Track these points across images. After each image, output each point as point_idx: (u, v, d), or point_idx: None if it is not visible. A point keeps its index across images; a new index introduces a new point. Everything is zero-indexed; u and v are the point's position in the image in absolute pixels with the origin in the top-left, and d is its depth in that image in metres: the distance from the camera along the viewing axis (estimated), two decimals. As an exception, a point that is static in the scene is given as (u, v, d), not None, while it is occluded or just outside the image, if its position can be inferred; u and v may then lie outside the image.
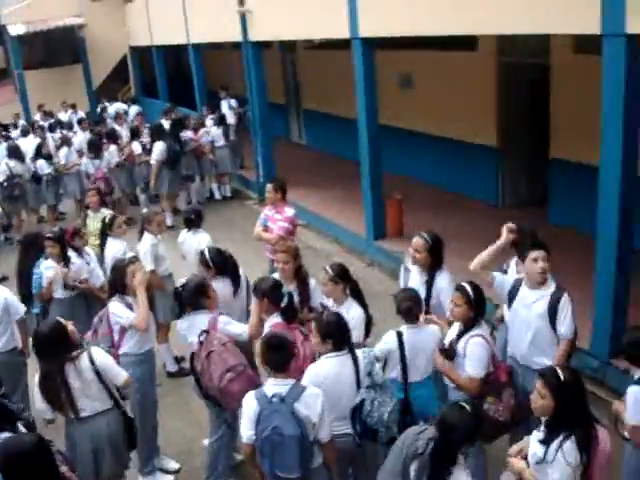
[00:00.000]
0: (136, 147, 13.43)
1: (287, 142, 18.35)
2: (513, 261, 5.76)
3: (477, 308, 4.69)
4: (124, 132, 14.43)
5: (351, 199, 11.42)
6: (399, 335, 4.85)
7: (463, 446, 3.48)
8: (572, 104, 8.95)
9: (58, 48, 23.74)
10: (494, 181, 11.04)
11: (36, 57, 23.50)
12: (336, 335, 4.39)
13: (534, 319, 4.82)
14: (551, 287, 4.84)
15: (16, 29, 22.38)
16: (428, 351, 4.88)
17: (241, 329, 5.23)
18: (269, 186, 7.77)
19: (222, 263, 6.00)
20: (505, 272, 5.87)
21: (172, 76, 21.41)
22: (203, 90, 17.36)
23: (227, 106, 15.58)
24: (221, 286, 5.84)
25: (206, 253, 5.95)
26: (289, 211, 7.71)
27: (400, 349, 4.83)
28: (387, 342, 4.90)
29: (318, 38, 10.72)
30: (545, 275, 4.78)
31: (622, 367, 5.44)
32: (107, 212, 8.43)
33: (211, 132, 13.92)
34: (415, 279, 5.58)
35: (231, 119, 15.21)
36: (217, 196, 14.49)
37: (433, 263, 5.43)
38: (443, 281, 5.44)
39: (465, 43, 10.10)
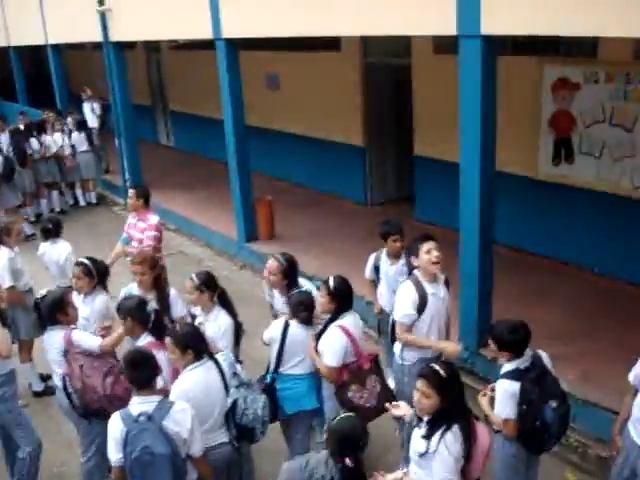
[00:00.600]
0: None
1: (155, 144, 17.94)
2: (383, 252, 6.03)
3: (340, 300, 4.78)
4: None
5: (222, 201, 11.27)
6: (286, 326, 4.88)
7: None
8: (433, 103, 9.22)
9: None
10: (362, 180, 11.22)
11: None
12: (196, 344, 4.31)
13: (445, 308, 5.03)
14: (441, 276, 5.04)
15: None
16: (307, 349, 4.92)
17: (95, 343, 5.00)
18: (131, 192, 7.48)
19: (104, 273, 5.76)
20: (377, 268, 6.11)
21: (33, 77, 20.36)
22: (64, 92, 16.53)
23: (89, 109, 14.93)
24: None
25: (87, 263, 5.64)
26: (153, 218, 7.45)
27: (282, 338, 4.86)
28: (273, 329, 4.95)
29: (181, 39, 10.49)
30: (439, 264, 4.83)
31: (490, 357, 5.62)
32: None
33: (72, 136, 13.33)
34: (278, 300, 5.58)
35: (94, 123, 14.67)
36: (82, 203, 13.88)
37: (289, 284, 5.39)
38: None
39: (330, 44, 10.21)
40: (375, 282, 6.28)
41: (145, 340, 4.80)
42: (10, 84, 20.32)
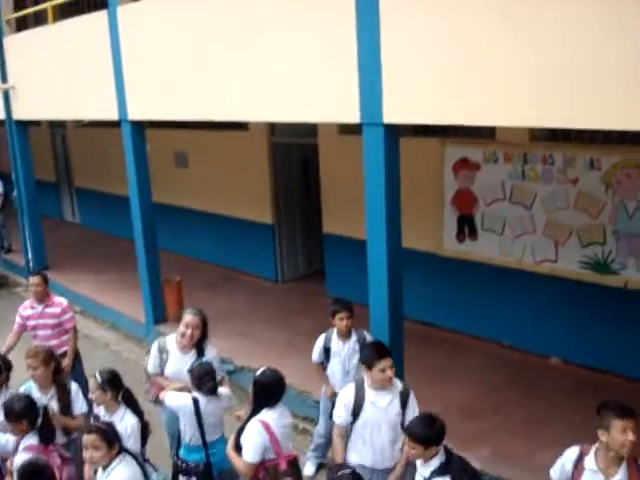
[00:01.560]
0: None
1: (60, 221, 17.47)
2: (333, 332, 6.00)
3: (262, 393, 4.60)
4: None
5: (129, 282, 10.96)
6: (195, 402, 4.88)
7: None
8: (340, 182, 9.38)
9: None
10: (272, 257, 11.19)
11: None
12: (119, 439, 4.19)
13: (388, 422, 4.75)
14: (398, 386, 4.83)
15: None
16: (220, 414, 5.11)
17: None
18: (36, 279, 7.05)
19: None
20: (327, 349, 6.02)
21: None
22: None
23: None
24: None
25: None
26: (62, 299, 7.24)
27: (197, 414, 4.89)
28: (180, 403, 4.97)
29: (87, 119, 10.38)
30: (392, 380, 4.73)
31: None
32: None
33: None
34: (176, 360, 5.50)
35: None
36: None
37: (202, 336, 5.50)
38: (212, 352, 5.59)
39: (238, 124, 10.31)
40: (324, 364, 6.12)
41: (29, 441, 4.51)
42: None
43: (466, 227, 8.35)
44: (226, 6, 7.12)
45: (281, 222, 11.08)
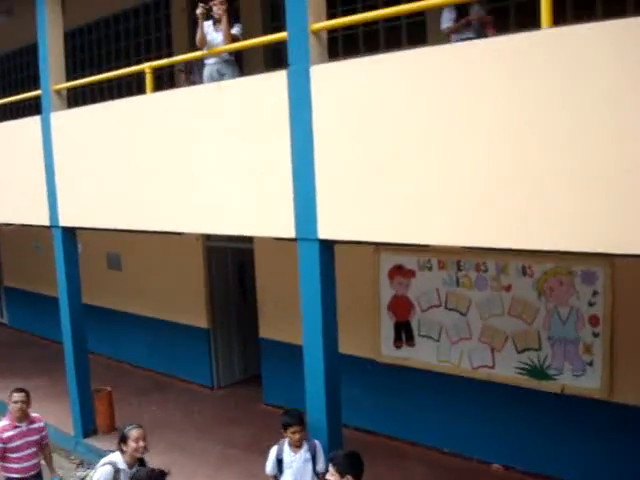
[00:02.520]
0: None
1: (-14, 321, 16.86)
2: (285, 444, 5.92)
3: None
4: None
5: (58, 388, 10.46)
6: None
7: None
8: (276, 287, 9.31)
9: None
10: (207, 362, 10.89)
11: None
12: None
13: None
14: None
15: None
16: None
17: None
18: (21, 396, 6.60)
19: None
20: (280, 461, 5.90)
21: None
22: None
23: None
24: None
25: None
26: (35, 414, 6.84)
27: None
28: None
29: (17, 223, 10.14)
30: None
31: None
32: None
33: None
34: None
35: None
36: None
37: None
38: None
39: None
40: (277, 477, 5.95)
41: None
42: None
43: (403, 333, 8.32)
44: (160, 116, 7.13)
45: (217, 326, 10.86)
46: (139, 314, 11.95)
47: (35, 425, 6.74)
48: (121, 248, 12.01)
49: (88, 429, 9.19)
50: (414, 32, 7.95)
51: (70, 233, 8.78)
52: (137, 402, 10.27)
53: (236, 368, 11.11)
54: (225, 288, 10.87)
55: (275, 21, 9.27)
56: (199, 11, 6.65)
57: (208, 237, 10.51)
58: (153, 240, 10.99)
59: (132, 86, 11.55)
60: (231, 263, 10.86)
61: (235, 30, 6.79)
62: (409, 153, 5.02)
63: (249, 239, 9.68)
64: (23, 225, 12.63)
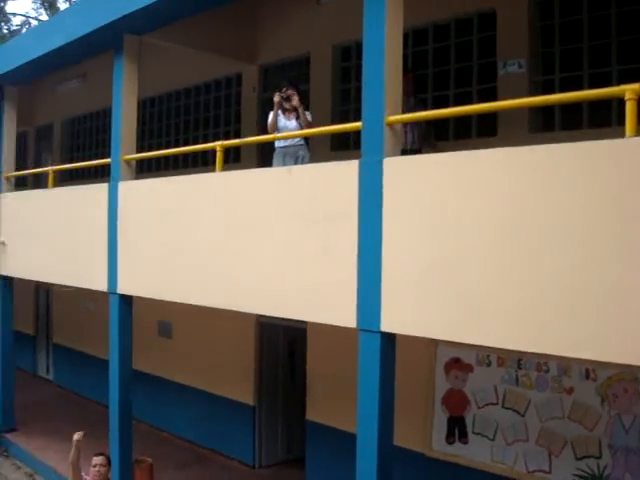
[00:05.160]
0: None
1: (33, 375, 16.93)
2: None
3: None
4: None
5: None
6: None
7: None
8: (327, 369, 9.14)
9: None
10: (250, 439, 10.69)
11: None
12: None
13: None
14: None
15: None
16: None
17: None
18: (101, 459, 7.09)
19: None
20: None
21: None
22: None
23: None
24: None
25: None
26: None
27: None
28: None
29: (73, 286, 10.26)
30: None
31: None
32: None
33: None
34: None
35: None
36: None
37: None
38: None
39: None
40: None
41: None
42: None
43: (456, 429, 8.05)
44: (226, 194, 7.19)
45: (262, 404, 10.69)
46: (185, 384, 11.85)
47: None
48: (173, 316, 12.01)
49: (125, 500, 9.03)
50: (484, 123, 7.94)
51: (127, 300, 8.82)
52: (176, 476, 10.08)
53: (279, 448, 10.86)
54: (274, 365, 10.73)
55: (344, 105, 9.40)
56: (277, 99, 6.79)
57: (262, 313, 10.47)
58: (205, 310, 10.95)
59: (197, 156, 11.81)
60: (282, 340, 10.76)
61: (309, 117, 6.91)
62: (473, 251, 4.92)
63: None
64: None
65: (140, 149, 9.27)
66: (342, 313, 5.78)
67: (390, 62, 5.55)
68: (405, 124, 6.53)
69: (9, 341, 12.51)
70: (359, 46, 6.66)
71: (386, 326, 5.45)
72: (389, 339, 5.60)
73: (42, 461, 11.07)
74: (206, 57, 10.16)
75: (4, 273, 12.05)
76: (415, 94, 7.38)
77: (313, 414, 9.64)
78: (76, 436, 6.97)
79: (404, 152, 6.30)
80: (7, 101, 12.30)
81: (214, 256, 7.26)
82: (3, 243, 11.91)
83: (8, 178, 12.18)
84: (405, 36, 5.84)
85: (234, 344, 10.78)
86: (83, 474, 6.90)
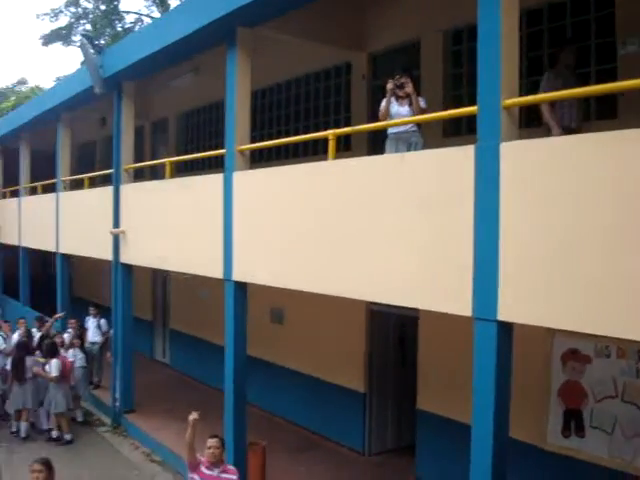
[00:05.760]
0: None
1: (150, 360, 17.63)
2: None
3: None
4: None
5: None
6: None
7: None
8: (440, 358, 9.06)
9: None
10: (361, 426, 10.74)
11: None
12: None
13: None
14: None
15: None
16: None
17: None
18: (215, 441, 7.02)
19: None
20: None
21: (36, 277, 20.71)
22: (66, 301, 16.69)
23: (94, 324, 15.08)
24: None
25: None
26: (231, 467, 7.17)
27: None
28: None
29: (189, 273, 10.60)
30: None
31: None
32: None
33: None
34: None
35: (96, 337, 14.92)
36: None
37: None
38: None
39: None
40: None
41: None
42: (15, 281, 20.74)
43: (573, 422, 7.80)
44: (338, 181, 7.25)
45: (373, 391, 10.72)
46: (296, 369, 12.06)
47: (227, 475, 6.95)
48: (285, 302, 12.21)
49: (241, 481, 9.29)
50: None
51: (242, 287, 9.05)
52: (287, 459, 10.28)
53: (389, 435, 10.87)
54: (384, 352, 10.73)
55: (456, 90, 9.26)
56: (390, 86, 6.77)
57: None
58: (317, 297, 11.07)
59: (308, 146, 11.94)
60: (393, 327, 10.73)
61: (422, 104, 6.85)
62: (594, 237, 4.76)
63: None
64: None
65: (252, 140, 9.43)
66: (457, 301, 5.73)
67: (506, 44, 5.44)
68: (562, 102, 6.36)
69: (129, 326, 13.12)
70: (471, 29, 6.55)
71: (503, 315, 5.36)
72: (506, 328, 5.50)
73: (159, 441, 11.50)
74: (315, 47, 10.22)
75: (125, 261, 12.60)
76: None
77: (424, 403, 9.57)
78: (192, 416, 7.22)
79: (565, 130, 6.16)
80: (125, 97, 12.82)
81: (326, 244, 7.33)
82: (123, 232, 12.45)
83: (127, 170, 12.72)
84: (519, 17, 5.68)
85: (345, 331, 10.85)
86: (198, 455, 7.13)
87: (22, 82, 48.09)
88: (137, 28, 32.51)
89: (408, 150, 7.01)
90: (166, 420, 12.39)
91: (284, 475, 9.80)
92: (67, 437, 12.07)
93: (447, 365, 8.81)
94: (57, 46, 36.30)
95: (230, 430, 9.31)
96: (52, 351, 12.15)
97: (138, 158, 13.28)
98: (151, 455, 11.56)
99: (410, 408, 10.06)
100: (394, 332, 10.80)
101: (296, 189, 7.93)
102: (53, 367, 11.88)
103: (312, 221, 7.58)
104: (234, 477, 7.01)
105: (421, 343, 9.59)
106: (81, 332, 14.34)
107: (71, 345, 13.43)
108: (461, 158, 5.72)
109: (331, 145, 7.42)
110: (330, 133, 7.51)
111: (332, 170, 7.42)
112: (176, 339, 16.95)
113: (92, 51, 12.67)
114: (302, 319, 11.88)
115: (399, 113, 6.96)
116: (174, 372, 16.49)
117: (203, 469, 7.00)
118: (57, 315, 15.23)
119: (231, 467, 7.18)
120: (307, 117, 12.16)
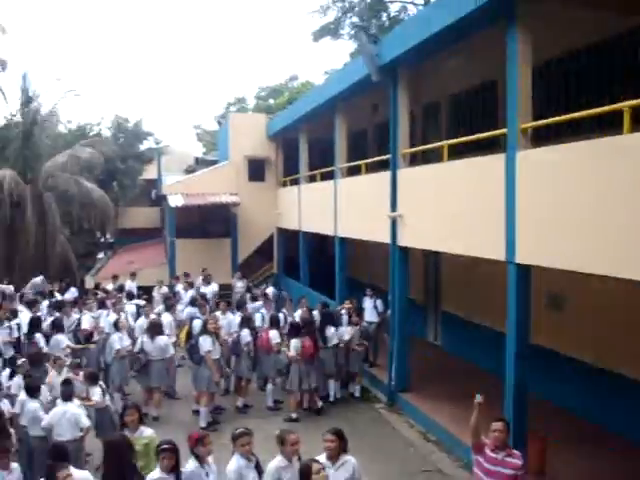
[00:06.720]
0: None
1: (422, 340, 17.81)
2: None
3: None
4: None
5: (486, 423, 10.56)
6: None
7: None
8: None
9: (211, 220, 25.11)
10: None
11: (189, 226, 24.81)
12: None
13: None
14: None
15: (175, 200, 23.64)
16: None
17: None
18: (500, 425, 6.96)
19: None
20: None
21: (314, 259, 22.15)
22: (343, 282, 17.52)
23: (371, 305, 15.77)
24: None
25: None
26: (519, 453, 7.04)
27: None
28: None
29: (466, 254, 10.44)
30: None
31: None
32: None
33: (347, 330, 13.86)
34: None
35: (373, 317, 15.64)
36: (338, 395, 13.85)
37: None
38: None
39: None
40: None
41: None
42: (295, 263, 22.31)
43: None
44: None
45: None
46: (575, 357, 11.48)
47: (512, 460, 6.85)
48: (566, 289, 11.61)
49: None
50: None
51: (525, 272, 8.78)
52: (570, 452, 9.82)
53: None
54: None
55: None
56: None
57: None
58: (607, 285, 10.25)
59: (593, 121, 11.04)
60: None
61: None
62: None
63: None
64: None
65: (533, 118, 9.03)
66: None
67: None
68: None
69: (405, 308, 13.41)
70: None
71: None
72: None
73: (434, 421, 11.58)
74: (596, 16, 9.56)
75: (402, 244, 12.86)
76: None
77: None
78: (477, 399, 7.16)
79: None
80: (401, 83, 13.03)
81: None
82: (400, 216, 12.71)
83: (404, 155, 12.93)
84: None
85: (632, 317, 10.06)
86: (483, 437, 7.07)
87: (294, 78, 51.23)
88: (403, 17, 32.81)
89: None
90: (439, 401, 12.50)
91: (566, 467, 9.38)
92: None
93: None
94: (326, 41, 37.78)
95: (510, 417, 9.10)
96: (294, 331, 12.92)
97: (410, 143, 13.41)
98: (426, 434, 11.75)
99: None
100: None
101: (586, 169, 7.46)
102: (292, 346, 12.59)
103: (611, 201, 7.09)
104: (519, 462, 6.85)
105: None
106: (358, 312, 14.89)
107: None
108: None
109: (626, 118, 6.90)
110: (626, 105, 6.98)
111: (629, 144, 6.88)
112: (449, 321, 16.97)
113: (367, 41, 13.04)
114: (582, 304, 11.22)
115: None
116: (447, 355, 16.53)
117: (488, 452, 6.94)
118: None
119: (516, 452, 7.02)
120: (600, 90, 11.07)
